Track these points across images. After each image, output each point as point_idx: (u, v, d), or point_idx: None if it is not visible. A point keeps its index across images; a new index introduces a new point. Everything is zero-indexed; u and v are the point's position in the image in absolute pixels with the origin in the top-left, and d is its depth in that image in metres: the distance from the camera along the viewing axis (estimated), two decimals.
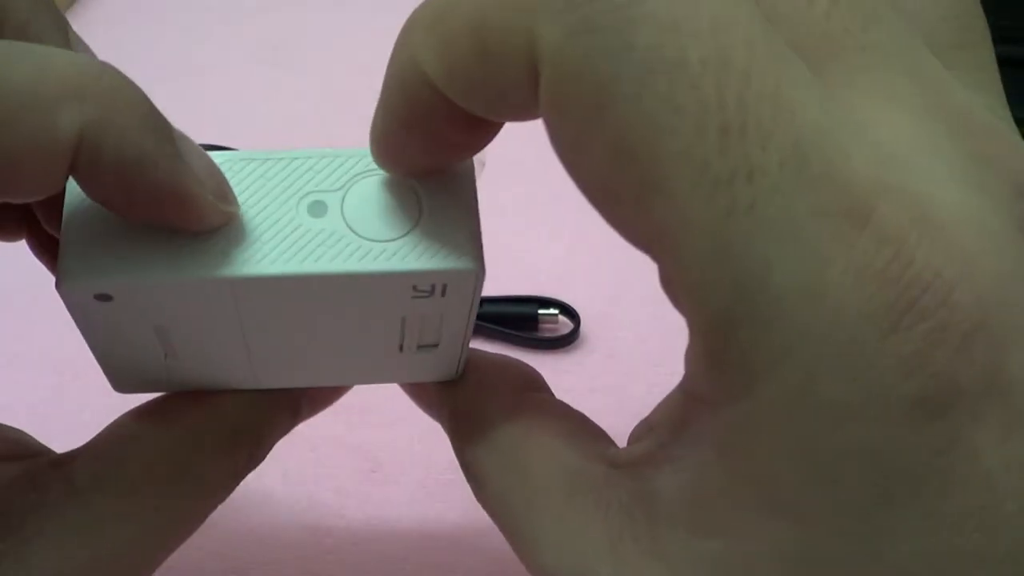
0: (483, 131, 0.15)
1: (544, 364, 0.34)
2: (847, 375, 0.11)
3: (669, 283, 0.14)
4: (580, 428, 0.18)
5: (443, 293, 0.17)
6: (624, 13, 0.11)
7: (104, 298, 0.16)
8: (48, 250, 0.23)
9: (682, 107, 0.11)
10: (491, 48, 0.13)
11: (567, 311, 0.34)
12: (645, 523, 0.14)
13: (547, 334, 0.34)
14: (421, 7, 0.14)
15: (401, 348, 0.19)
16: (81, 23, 0.53)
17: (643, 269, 0.35)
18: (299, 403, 0.22)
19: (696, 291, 0.12)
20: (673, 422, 0.14)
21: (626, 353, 0.33)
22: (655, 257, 0.13)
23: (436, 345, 0.19)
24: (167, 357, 0.18)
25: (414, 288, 0.17)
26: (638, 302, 0.35)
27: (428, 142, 0.16)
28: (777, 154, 0.11)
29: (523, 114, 0.14)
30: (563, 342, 0.34)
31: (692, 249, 0.11)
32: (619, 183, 0.12)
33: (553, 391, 0.21)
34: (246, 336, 0.18)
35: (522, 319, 0.34)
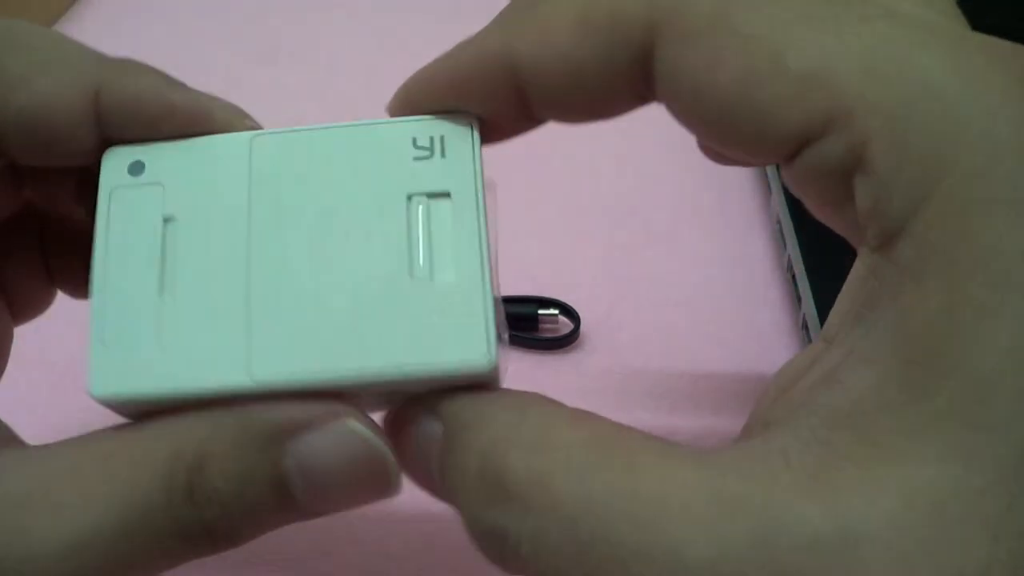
0: (517, 127, 0.18)
1: (544, 364, 0.34)
2: (1017, 120, 0.12)
3: (806, 172, 0.14)
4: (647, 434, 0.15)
5: (443, 153, 0.18)
6: None
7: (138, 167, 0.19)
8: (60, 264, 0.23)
9: None
10: (600, 25, 0.15)
11: (567, 311, 0.34)
12: (852, 438, 0.12)
13: (547, 334, 0.34)
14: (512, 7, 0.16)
15: (411, 271, 0.17)
16: (81, 23, 0.53)
17: (643, 269, 0.36)
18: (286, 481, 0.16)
19: (868, 107, 0.13)
20: (857, 308, 0.14)
21: (626, 353, 0.33)
22: (804, 136, 0.14)
23: (452, 273, 0.17)
24: (162, 292, 0.17)
25: (414, 143, 0.18)
26: (638, 302, 0.35)
27: (461, 107, 0.17)
28: (874, 8, 0.14)
29: (583, 106, 0.16)
30: (563, 342, 0.34)
31: (849, 78, 0.13)
32: (762, 75, 0.14)
33: (553, 391, 0.20)
34: (250, 250, 0.18)
35: (522, 319, 0.34)
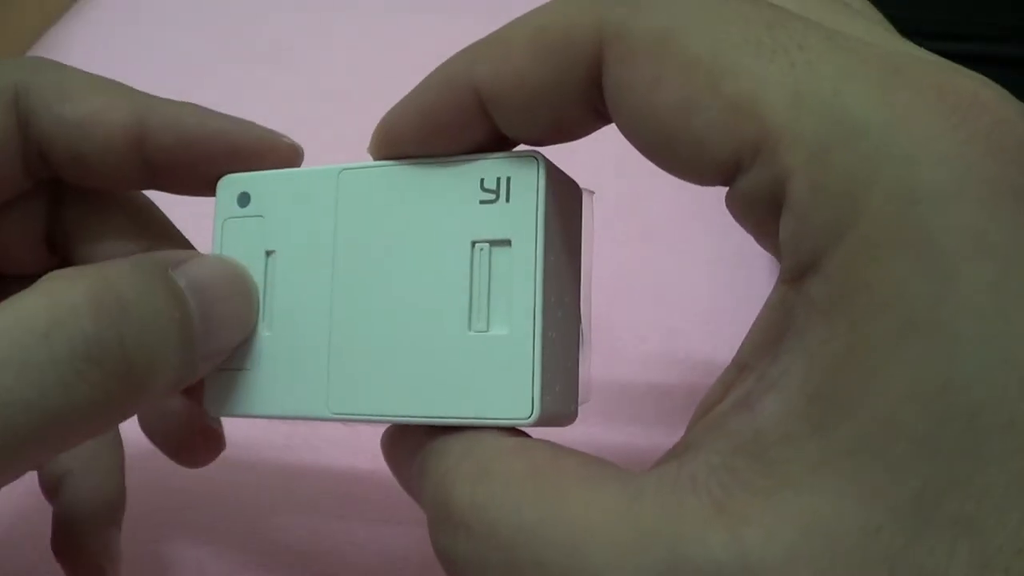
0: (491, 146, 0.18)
1: None
2: (941, 175, 0.12)
3: (743, 193, 0.14)
4: (588, 455, 0.16)
5: (507, 197, 0.17)
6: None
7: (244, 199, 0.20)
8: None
9: (728, 18, 0.14)
10: (553, 45, 0.15)
11: None
12: (755, 467, 0.13)
13: None
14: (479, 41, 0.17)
15: (470, 322, 0.17)
16: (81, 23, 0.53)
17: (644, 269, 0.36)
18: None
19: (791, 141, 0.13)
20: (769, 336, 0.14)
21: (626, 353, 0.33)
22: (737, 157, 0.14)
23: (505, 320, 0.17)
24: (264, 326, 0.19)
25: (482, 184, 0.17)
26: (638, 303, 0.35)
27: (437, 140, 0.18)
28: (815, 34, 0.14)
29: (540, 116, 0.16)
30: None
31: (777, 108, 0.13)
32: (697, 100, 0.14)
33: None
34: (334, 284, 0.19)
35: None
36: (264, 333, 0.19)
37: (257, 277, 0.20)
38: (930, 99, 0.13)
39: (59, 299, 0.15)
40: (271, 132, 0.21)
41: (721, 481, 0.13)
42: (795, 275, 0.14)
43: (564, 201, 0.18)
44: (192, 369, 0.18)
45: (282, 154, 0.21)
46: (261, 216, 0.20)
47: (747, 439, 0.13)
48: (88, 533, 0.23)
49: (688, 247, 0.37)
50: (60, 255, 0.23)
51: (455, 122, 0.17)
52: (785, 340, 0.14)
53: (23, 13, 0.51)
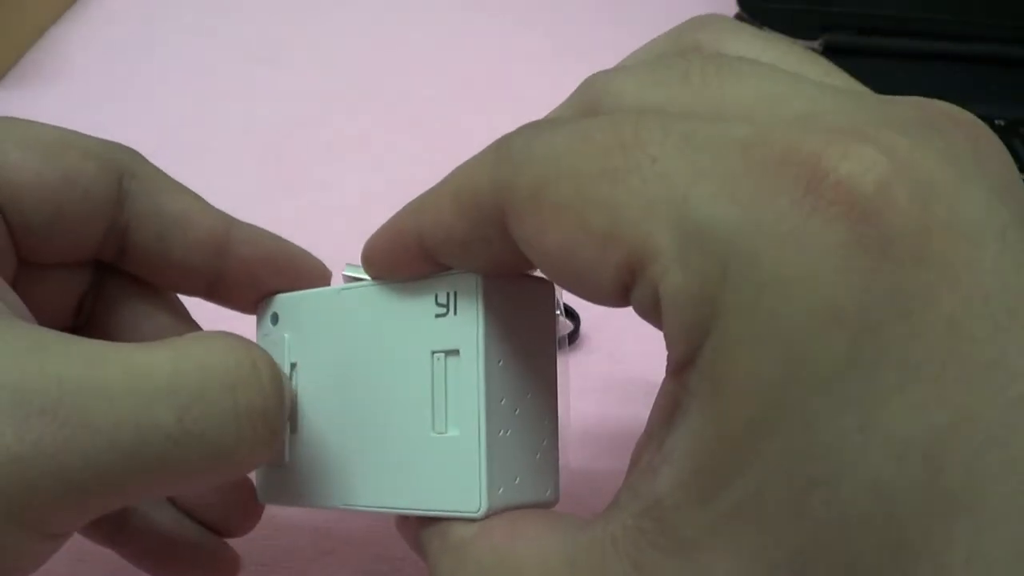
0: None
1: None
2: (785, 257, 0.13)
3: (641, 298, 0.15)
4: (548, 514, 0.18)
5: (455, 310, 0.19)
6: (532, 163, 0.16)
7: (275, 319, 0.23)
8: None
9: (587, 155, 0.15)
10: (466, 205, 0.17)
11: (567, 311, 0.34)
12: (658, 529, 0.14)
13: None
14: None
15: (433, 425, 0.19)
16: (81, 23, 0.53)
17: None
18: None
19: (653, 255, 0.14)
20: (663, 413, 0.15)
21: (626, 353, 0.33)
22: (624, 279, 0.15)
23: (457, 428, 0.19)
24: (294, 430, 0.22)
25: (436, 299, 0.19)
26: None
27: (400, 271, 0.20)
28: (671, 140, 0.15)
29: (475, 259, 0.18)
30: (563, 342, 0.34)
31: (636, 229, 0.14)
32: (573, 241, 0.15)
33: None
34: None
35: None
36: (295, 435, 0.22)
37: (290, 387, 0.22)
38: (771, 178, 0.13)
39: (244, 360, 0.18)
40: (317, 262, 0.24)
41: (635, 541, 0.15)
42: (676, 369, 0.15)
43: (520, 304, 0.19)
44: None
45: (315, 280, 0.24)
46: (286, 334, 0.22)
47: (650, 504, 0.14)
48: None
49: None
50: (82, 319, 0.23)
51: (409, 260, 0.19)
52: (675, 419, 0.15)
53: (23, 13, 0.51)
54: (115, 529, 0.24)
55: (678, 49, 0.19)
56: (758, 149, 0.14)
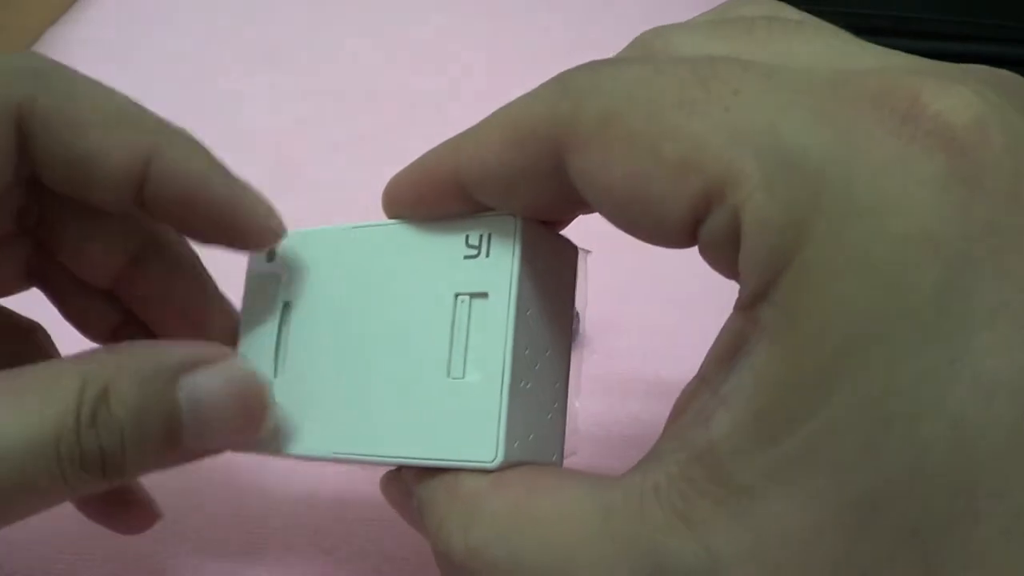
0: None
1: None
2: (881, 184, 0.13)
3: (712, 236, 0.15)
4: (565, 470, 0.18)
5: (488, 252, 0.18)
6: (601, 85, 0.15)
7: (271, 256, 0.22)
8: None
9: (662, 87, 0.15)
10: (518, 138, 0.16)
11: None
12: (711, 476, 0.14)
13: None
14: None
15: (449, 370, 0.18)
16: (81, 23, 0.53)
17: (644, 270, 0.36)
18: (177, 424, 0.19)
19: (735, 182, 0.13)
20: (725, 355, 0.15)
21: (626, 353, 0.33)
22: (699, 201, 0.14)
23: (478, 374, 0.18)
24: (277, 373, 0.21)
25: (466, 241, 0.18)
26: (639, 303, 0.35)
27: (427, 212, 0.19)
28: (751, 76, 0.14)
29: (518, 196, 0.17)
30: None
31: (718, 156, 0.14)
32: (645, 171, 0.14)
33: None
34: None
35: None
36: (279, 379, 0.21)
37: (274, 327, 0.21)
38: (866, 110, 0.13)
39: (62, 408, 0.17)
40: (264, 209, 0.21)
41: (681, 490, 0.14)
42: (749, 302, 0.14)
43: (550, 259, 0.19)
44: (165, 464, 0.19)
45: (262, 232, 0.21)
46: (282, 271, 0.21)
47: (702, 450, 0.14)
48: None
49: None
50: (25, 226, 0.22)
51: (440, 197, 0.19)
52: (736, 360, 0.14)
53: (23, 13, 0.51)
54: None
55: (732, 16, 0.18)
56: (848, 86, 0.14)
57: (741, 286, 0.14)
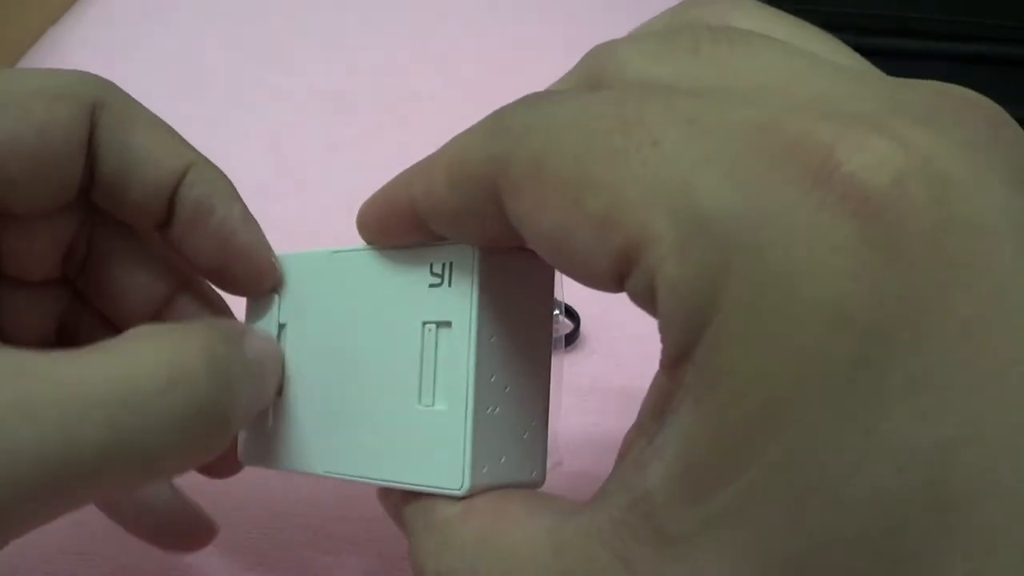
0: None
1: None
2: (791, 252, 0.12)
3: (636, 287, 0.15)
4: (534, 496, 0.18)
5: (450, 282, 0.18)
6: (533, 135, 0.15)
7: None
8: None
9: (590, 130, 0.15)
10: (459, 177, 0.17)
11: (567, 311, 0.34)
12: (646, 524, 0.14)
13: None
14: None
15: (420, 397, 0.19)
16: (81, 23, 0.53)
17: None
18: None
19: (651, 243, 0.14)
20: (655, 409, 0.15)
21: (626, 353, 0.33)
22: (621, 263, 0.14)
23: (445, 401, 0.19)
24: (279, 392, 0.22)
25: (431, 269, 0.19)
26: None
27: (391, 239, 0.20)
28: (673, 123, 0.14)
29: (468, 232, 0.18)
30: (560, 343, 0.34)
31: (635, 214, 0.14)
32: (570, 222, 0.15)
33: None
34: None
35: None
36: (278, 398, 0.22)
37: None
38: (780, 166, 0.13)
39: (175, 359, 0.17)
40: (263, 251, 0.22)
41: (621, 535, 0.14)
42: (670, 362, 0.14)
43: (516, 279, 0.19)
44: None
45: (256, 275, 0.22)
46: (277, 293, 0.22)
47: (639, 497, 0.14)
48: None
49: None
50: (71, 270, 0.23)
51: (403, 228, 0.19)
52: (667, 415, 0.14)
53: (23, 13, 0.51)
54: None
55: (685, 22, 0.18)
56: (767, 135, 0.13)
57: (663, 345, 0.14)
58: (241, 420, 0.19)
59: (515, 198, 0.15)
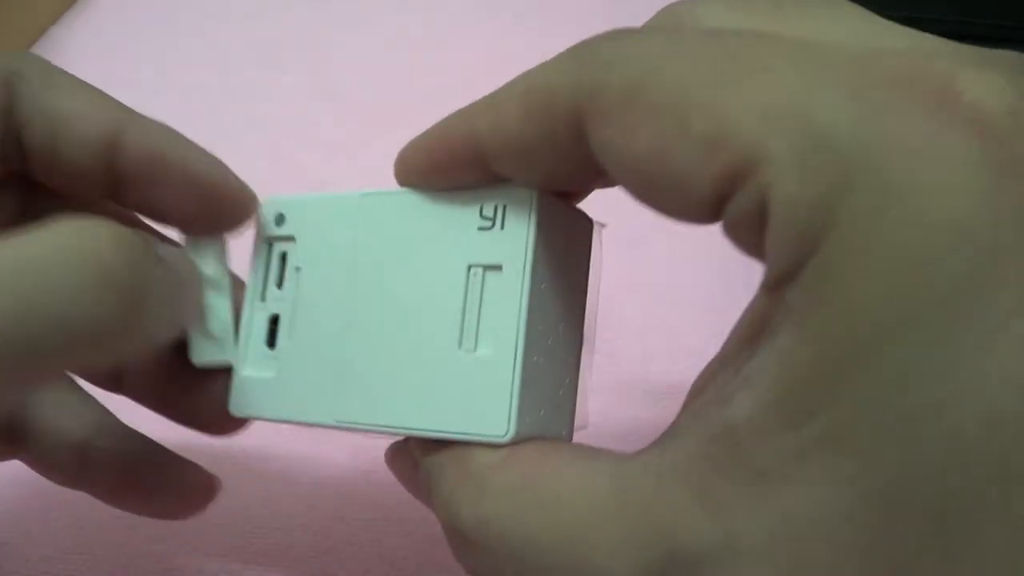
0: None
1: None
2: (914, 169, 0.12)
3: (739, 215, 0.14)
4: (578, 445, 0.17)
5: (503, 224, 0.18)
6: (620, 65, 0.15)
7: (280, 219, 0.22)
8: None
9: (693, 59, 0.14)
10: (537, 106, 0.16)
11: None
12: (731, 457, 0.13)
13: None
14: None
15: (460, 342, 0.18)
16: (80, 23, 0.53)
17: (645, 269, 0.36)
18: None
19: (764, 160, 0.13)
20: (748, 336, 0.14)
21: (626, 353, 0.33)
22: (724, 178, 0.14)
23: (489, 349, 0.18)
24: (288, 337, 0.21)
25: (481, 212, 0.18)
26: (639, 303, 0.35)
27: (440, 181, 0.19)
28: (781, 52, 0.14)
29: (536, 167, 0.17)
30: None
31: (747, 133, 0.13)
32: (671, 144, 0.14)
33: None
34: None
35: None
36: (286, 343, 0.21)
37: (287, 292, 0.21)
38: (899, 91, 0.13)
39: (83, 233, 0.16)
40: (235, 180, 0.21)
41: (700, 469, 0.14)
42: (774, 284, 0.14)
43: (566, 232, 0.19)
44: (169, 329, 0.19)
45: (238, 206, 0.21)
46: (293, 236, 0.21)
47: (723, 430, 0.14)
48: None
49: (690, 246, 0.37)
50: None
51: (455, 166, 0.18)
52: (761, 341, 0.14)
53: (23, 13, 0.51)
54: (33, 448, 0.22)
55: None
56: (883, 63, 0.13)
57: (767, 266, 0.14)
58: (156, 311, 0.18)
59: (605, 124, 0.15)
